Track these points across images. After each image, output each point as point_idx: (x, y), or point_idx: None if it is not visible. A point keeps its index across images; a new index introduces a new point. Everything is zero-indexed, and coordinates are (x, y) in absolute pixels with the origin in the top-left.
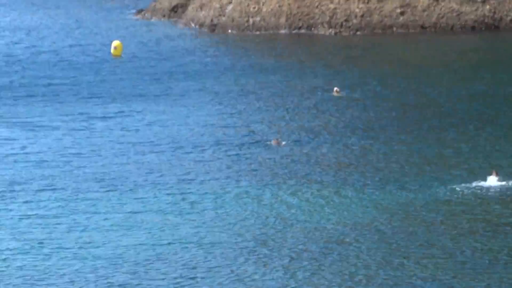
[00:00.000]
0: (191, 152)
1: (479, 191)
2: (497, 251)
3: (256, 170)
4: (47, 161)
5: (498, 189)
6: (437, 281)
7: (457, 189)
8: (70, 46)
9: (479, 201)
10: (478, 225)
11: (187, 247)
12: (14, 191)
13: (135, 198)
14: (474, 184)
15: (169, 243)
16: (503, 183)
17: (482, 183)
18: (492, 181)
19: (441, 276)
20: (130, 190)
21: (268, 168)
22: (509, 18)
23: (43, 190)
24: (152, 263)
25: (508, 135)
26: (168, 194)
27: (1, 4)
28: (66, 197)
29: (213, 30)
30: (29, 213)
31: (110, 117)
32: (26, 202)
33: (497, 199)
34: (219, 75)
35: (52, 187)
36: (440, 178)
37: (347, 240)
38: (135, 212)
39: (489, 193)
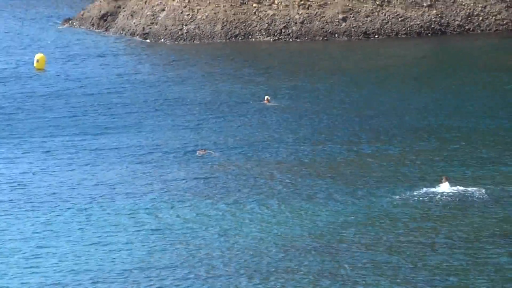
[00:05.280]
0: (116, 165)
1: (431, 197)
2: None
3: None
4: None
5: (451, 195)
6: None
7: (407, 197)
8: None
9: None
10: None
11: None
12: None
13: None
14: (425, 190)
15: None
16: (454, 188)
17: (433, 190)
18: (444, 187)
19: None
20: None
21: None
22: (456, 23)
23: None
24: None
25: (451, 141)
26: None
27: None
28: None
29: (145, 39)
30: None
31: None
32: None
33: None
34: (149, 85)
35: None
36: (386, 188)
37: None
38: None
39: (443, 199)
